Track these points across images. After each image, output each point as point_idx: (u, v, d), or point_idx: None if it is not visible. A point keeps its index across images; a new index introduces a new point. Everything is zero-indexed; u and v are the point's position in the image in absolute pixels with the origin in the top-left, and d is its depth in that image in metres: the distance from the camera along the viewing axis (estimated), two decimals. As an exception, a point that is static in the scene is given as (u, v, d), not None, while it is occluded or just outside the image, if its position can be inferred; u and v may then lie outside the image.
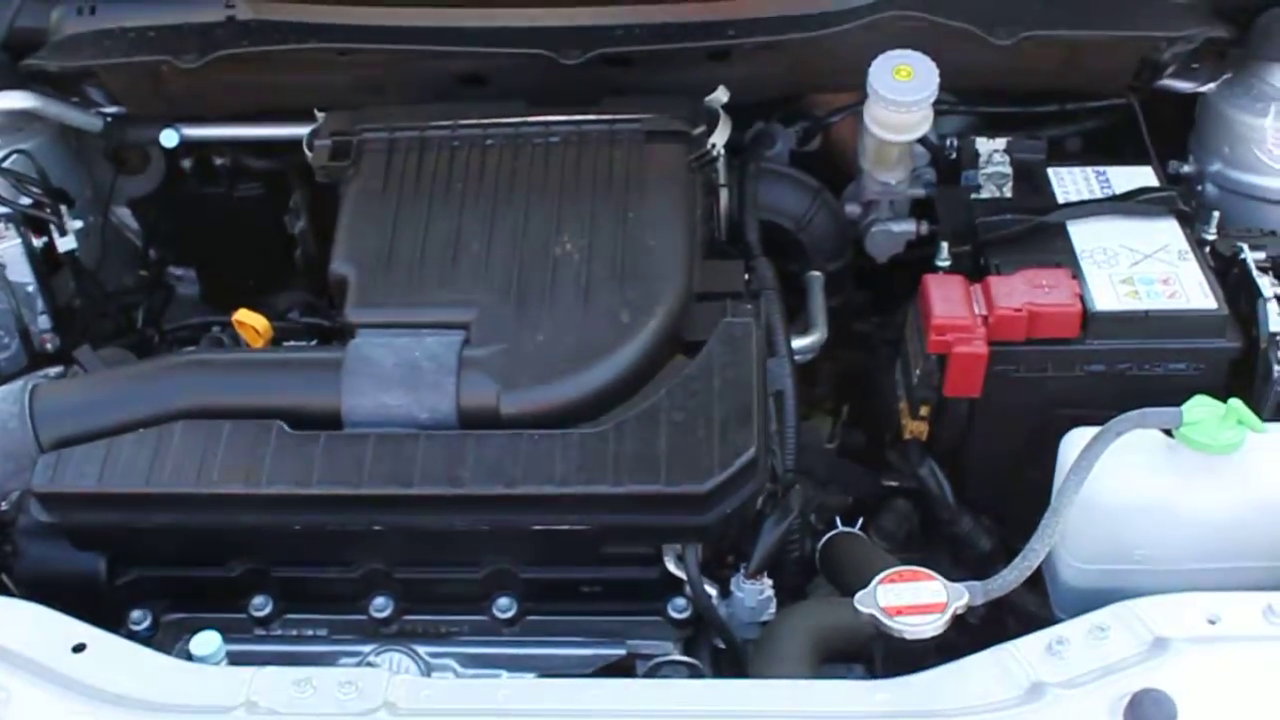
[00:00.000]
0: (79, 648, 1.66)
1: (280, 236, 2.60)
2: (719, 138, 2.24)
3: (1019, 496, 1.92)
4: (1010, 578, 1.71)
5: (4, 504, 1.95)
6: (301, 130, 2.32)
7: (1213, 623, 1.61)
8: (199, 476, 1.83)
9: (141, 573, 1.93)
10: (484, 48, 2.27)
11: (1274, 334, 1.99)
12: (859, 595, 1.70)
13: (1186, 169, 2.34)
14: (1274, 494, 1.77)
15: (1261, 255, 2.08)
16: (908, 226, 2.36)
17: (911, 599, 1.69)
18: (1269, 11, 2.28)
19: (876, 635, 1.71)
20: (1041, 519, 1.73)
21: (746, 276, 2.14)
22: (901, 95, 2.16)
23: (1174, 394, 1.79)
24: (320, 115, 2.31)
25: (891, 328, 2.25)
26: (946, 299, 2.03)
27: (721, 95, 2.28)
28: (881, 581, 1.70)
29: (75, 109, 2.43)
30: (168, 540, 1.89)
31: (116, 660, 1.66)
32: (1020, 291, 2.00)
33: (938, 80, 2.15)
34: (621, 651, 1.89)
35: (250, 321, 2.13)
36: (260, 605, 1.92)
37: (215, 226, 2.59)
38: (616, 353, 1.92)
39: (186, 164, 2.54)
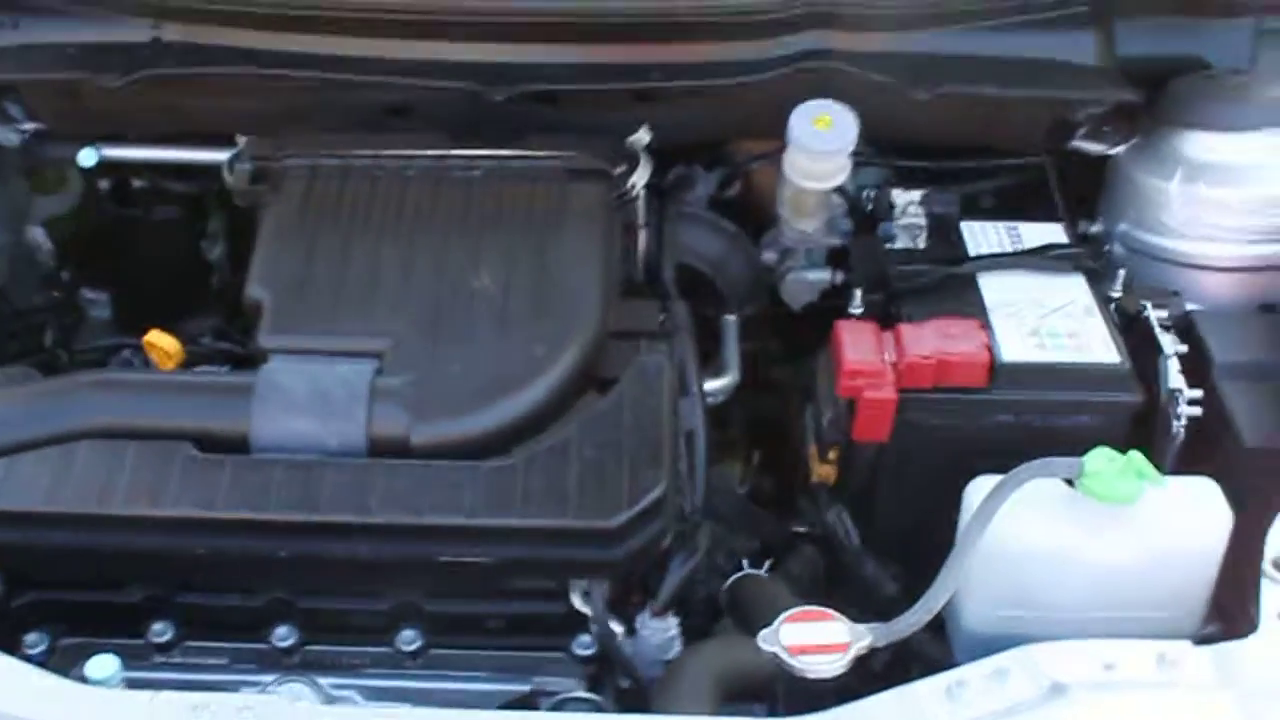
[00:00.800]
0: (-31, 668, 1.63)
1: (196, 262, 2.57)
2: (639, 178, 2.26)
3: (925, 543, 1.93)
4: (912, 620, 1.73)
5: (-101, 520, 1.90)
6: (222, 155, 2.31)
7: (1108, 669, 1.63)
8: (101, 497, 1.80)
9: (39, 595, 1.89)
10: (410, 79, 2.27)
11: (1174, 390, 2.04)
12: (762, 633, 1.71)
13: (1095, 228, 2.38)
14: (1169, 545, 1.80)
15: (1164, 314, 2.13)
16: (823, 275, 2.39)
17: (814, 639, 1.70)
18: (1178, 79, 2.33)
19: (778, 675, 1.72)
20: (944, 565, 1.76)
21: (661, 317, 2.16)
22: (820, 144, 2.19)
23: (1078, 445, 1.82)
24: (242, 139, 2.30)
25: (804, 374, 2.26)
26: (858, 344, 2.05)
27: (644, 136, 2.29)
28: (785, 621, 1.71)
29: (-8, 124, 2.40)
30: (67, 562, 1.86)
31: (8, 681, 1.63)
32: (930, 340, 2.03)
33: (856, 131, 2.18)
34: (526, 688, 1.87)
35: (161, 343, 2.11)
36: (160, 631, 1.88)
37: (131, 249, 2.56)
38: (529, 387, 1.92)
39: (104, 185, 2.51)
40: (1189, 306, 2.18)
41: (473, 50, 2.29)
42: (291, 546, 1.81)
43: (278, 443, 1.87)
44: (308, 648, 1.89)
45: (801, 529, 2.23)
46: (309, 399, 1.89)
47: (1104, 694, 1.61)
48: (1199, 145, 2.26)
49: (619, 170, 2.25)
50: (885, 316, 2.15)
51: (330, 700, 1.79)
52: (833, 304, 2.29)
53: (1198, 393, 2.03)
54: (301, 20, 2.28)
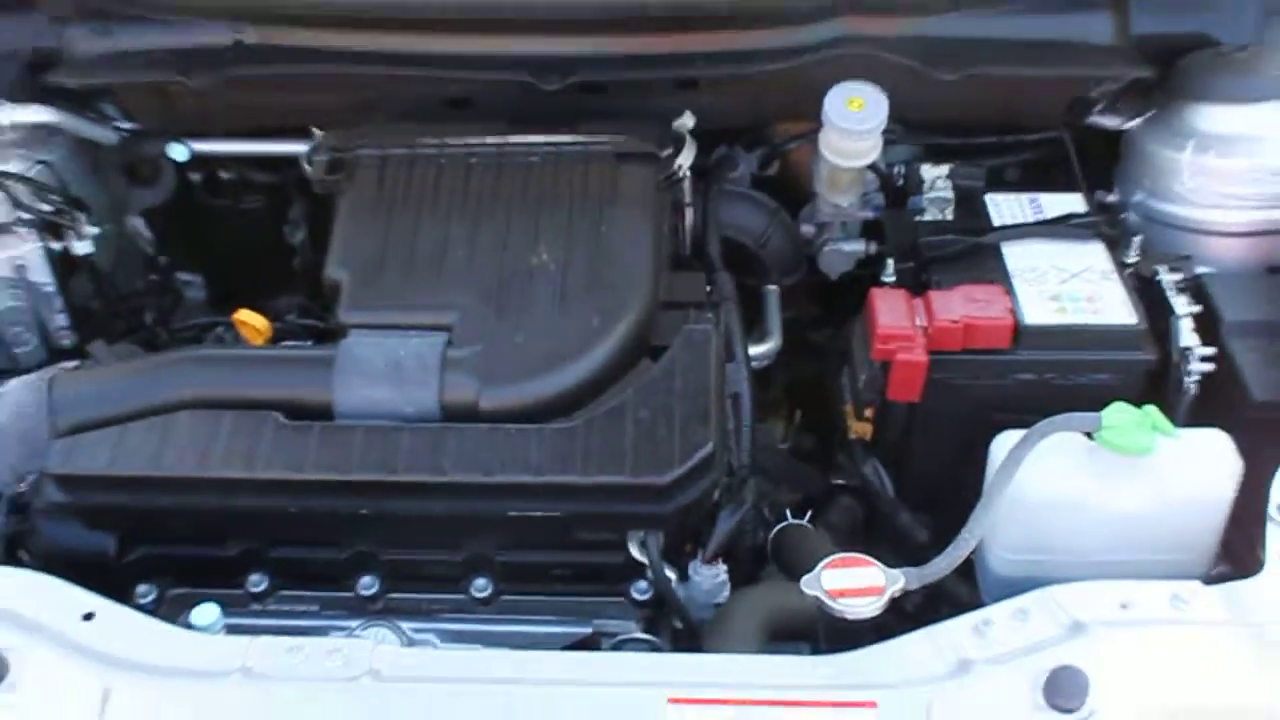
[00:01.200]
0: (88, 616, 1.70)
1: (281, 245, 2.63)
2: (685, 160, 2.29)
3: (954, 494, 1.96)
4: (942, 565, 1.76)
5: (23, 485, 1.98)
6: (301, 147, 2.37)
7: (1124, 608, 1.66)
8: (201, 461, 1.87)
9: (148, 550, 1.97)
10: (470, 72, 2.31)
11: (1185, 348, 2.06)
12: (805, 579, 1.75)
13: (1112, 198, 2.39)
14: (1182, 493, 1.83)
15: (1177, 277, 2.15)
16: (858, 246, 2.42)
17: (852, 582, 1.74)
18: (1190, 55, 2.34)
19: (820, 616, 1.76)
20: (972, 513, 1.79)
21: (708, 288, 2.19)
22: (853, 124, 2.21)
23: (1095, 402, 1.84)
24: (318, 133, 2.36)
25: (841, 338, 2.30)
26: (891, 311, 2.09)
27: (688, 120, 2.32)
28: (826, 566, 1.75)
29: (92, 124, 2.45)
30: (172, 520, 1.93)
31: (123, 628, 1.70)
32: (958, 305, 2.06)
33: (887, 111, 2.21)
34: (588, 630, 1.93)
35: (251, 321, 2.18)
36: (256, 582, 1.95)
37: (221, 236, 2.62)
38: (587, 355, 1.97)
39: (196, 177, 2.57)
40: (1200, 270, 2.19)
41: (527, 44, 2.32)
42: (373, 504, 1.87)
43: (358, 410, 1.93)
44: (390, 596, 1.96)
45: (840, 482, 2.28)
46: (386, 369, 1.94)
47: (1120, 631, 1.64)
48: (1209, 118, 2.26)
49: (666, 153, 2.28)
50: (916, 284, 2.17)
51: (410, 642, 1.87)
52: (867, 273, 2.32)
53: (1209, 350, 2.05)
54: (369, 20, 2.32)
